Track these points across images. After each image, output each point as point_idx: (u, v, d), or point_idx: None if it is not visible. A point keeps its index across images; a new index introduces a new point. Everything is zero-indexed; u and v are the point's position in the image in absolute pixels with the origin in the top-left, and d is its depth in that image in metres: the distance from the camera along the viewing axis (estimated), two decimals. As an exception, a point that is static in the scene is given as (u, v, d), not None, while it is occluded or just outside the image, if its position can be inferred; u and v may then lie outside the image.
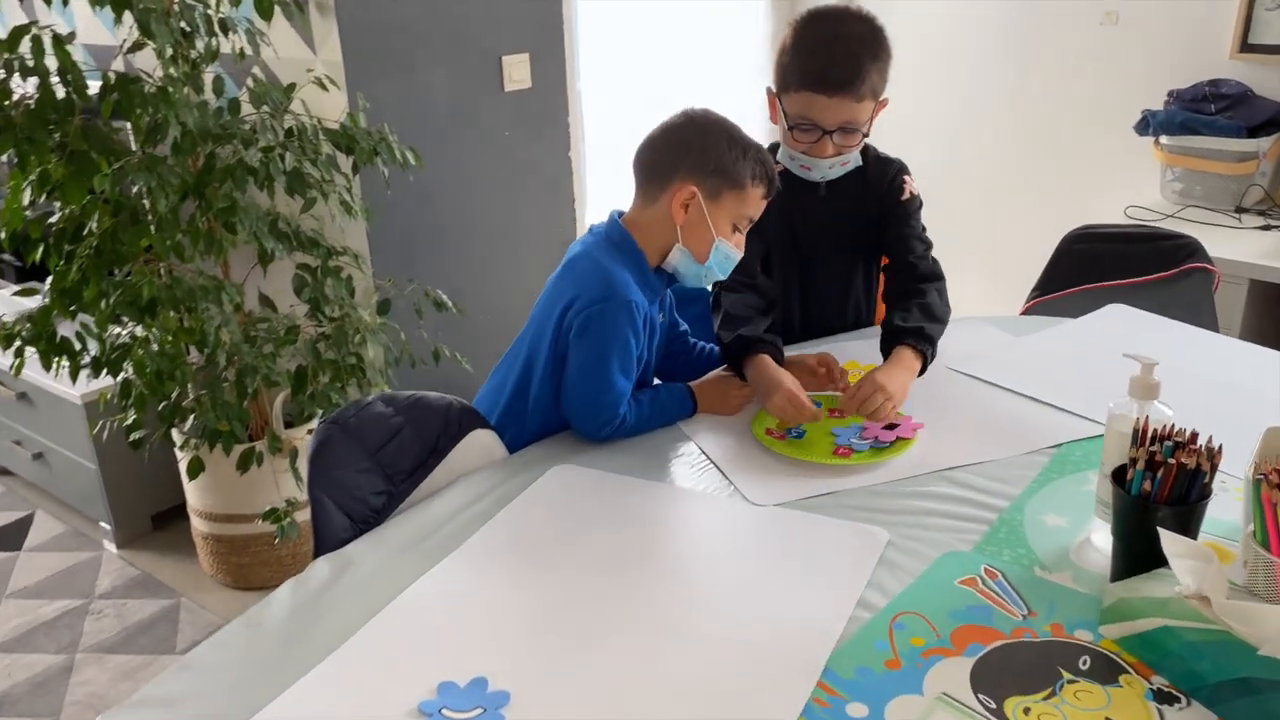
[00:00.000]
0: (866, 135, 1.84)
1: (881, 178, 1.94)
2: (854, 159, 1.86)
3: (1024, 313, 2.38)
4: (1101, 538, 1.31)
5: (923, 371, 1.75)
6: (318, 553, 1.39)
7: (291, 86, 2.27)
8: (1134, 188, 3.07)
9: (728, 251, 1.64)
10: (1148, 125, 2.94)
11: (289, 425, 2.62)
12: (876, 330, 2.06)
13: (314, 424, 2.48)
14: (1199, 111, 2.87)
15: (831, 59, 1.74)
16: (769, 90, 1.87)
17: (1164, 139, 2.92)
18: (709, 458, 1.57)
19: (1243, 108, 2.83)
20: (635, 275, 1.62)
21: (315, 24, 2.42)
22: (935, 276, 1.89)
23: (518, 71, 2.75)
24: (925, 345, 1.76)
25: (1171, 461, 1.15)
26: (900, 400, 1.66)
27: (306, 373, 2.40)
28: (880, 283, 2.07)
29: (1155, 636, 1.10)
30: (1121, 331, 2.01)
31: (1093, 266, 2.32)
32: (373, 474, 1.47)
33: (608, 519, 1.42)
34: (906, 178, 1.95)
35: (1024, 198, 3.48)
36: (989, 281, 3.51)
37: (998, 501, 1.43)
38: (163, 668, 2.45)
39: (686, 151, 1.60)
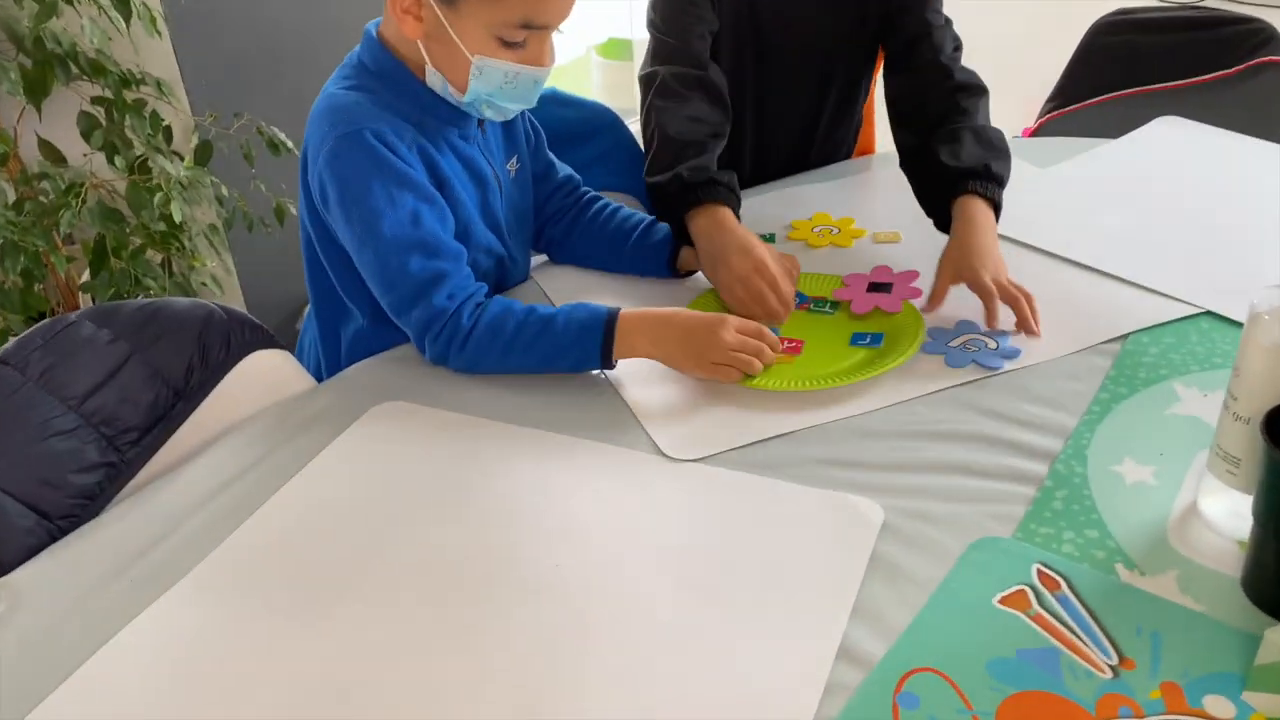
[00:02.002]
0: None
1: None
2: None
3: (1036, 130, 1.84)
4: (1216, 506, 0.83)
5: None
6: (-21, 577, 0.88)
7: None
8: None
9: (507, 72, 1.01)
10: (1185, -124, 2.31)
11: (104, 309, 2.05)
12: (856, 165, 1.52)
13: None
14: None
15: None
16: None
17: (1204, -107, 2.30)
18: (610, 382, 1.05)
19: None
20: (405, 105, 1.05)
21: None
22: (978, 88, 1.29)
23: None
24: (995, 190, 1.19)
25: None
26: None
27: (104, 244, 1.82)
28: (870, 95, 1.50)
29: (1360, 731, 0.63)
30: (1180, 156, 1.48)
31: (1128, 65, 1.77)
32: (79, 437, 0.94)
33: (448, 490, 0.91)
34: None
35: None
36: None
37: (1044, 441, 0.93)
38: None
39: None
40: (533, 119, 1.23)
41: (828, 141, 1.52)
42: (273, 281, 2.21)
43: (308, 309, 1.31)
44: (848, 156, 1.55)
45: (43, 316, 2.02)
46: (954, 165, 1.20)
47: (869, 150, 1.62)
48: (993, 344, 1.07)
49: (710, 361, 0.99)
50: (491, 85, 1.02)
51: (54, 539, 0.90)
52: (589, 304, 1.04)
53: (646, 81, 1.29)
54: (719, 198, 1.17)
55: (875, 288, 1.16)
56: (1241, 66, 1.66)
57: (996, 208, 1.19)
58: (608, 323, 1.01)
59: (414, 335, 1.06)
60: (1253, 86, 1.66)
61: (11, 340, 0.95)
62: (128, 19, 1.69)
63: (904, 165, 1.32)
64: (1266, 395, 0.75)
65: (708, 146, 1.23)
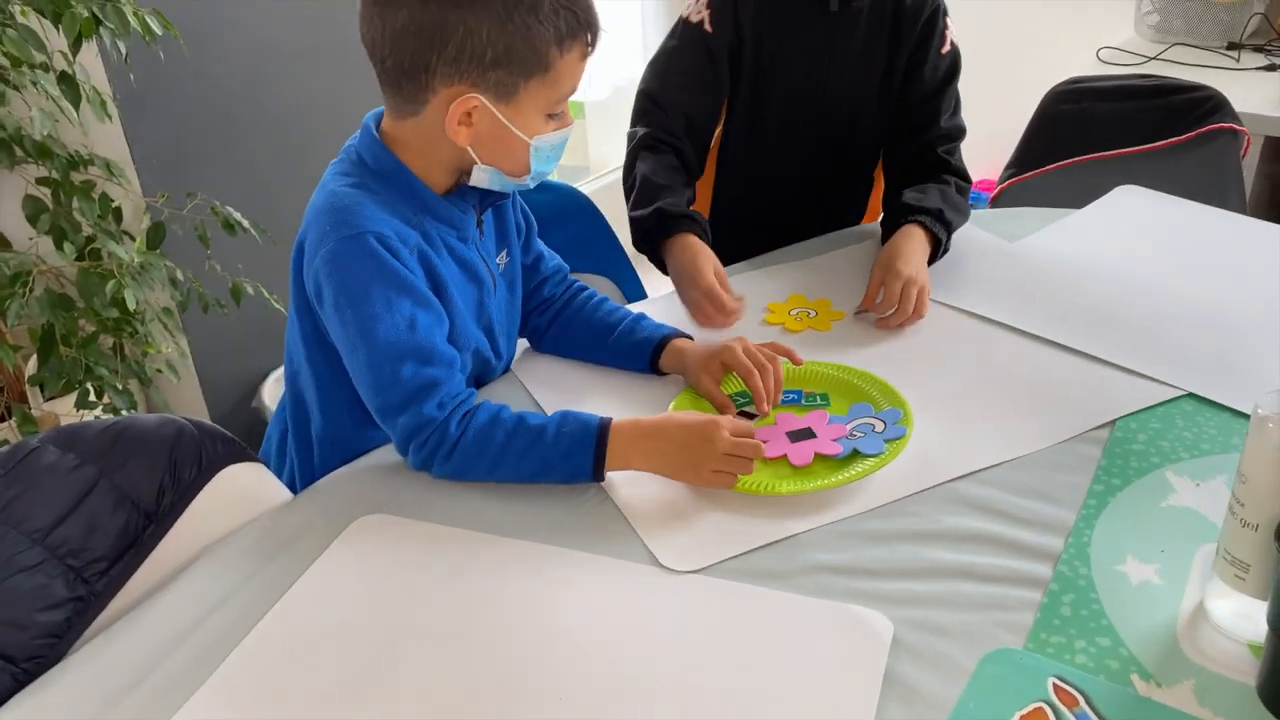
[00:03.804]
0: None
1: (919, 5, 1.40)
2: None
3: (997, 196, 1.87)
4: (1224, 608, 0.82)
5: (932, 261, 1.34)
6: (-61, 732, 0.82)
7: (-39, -76, 1.54)
8: (1102, 26, 2.53)
9: (554, 142, 1.04)
10: (1123, -57, 2.38)
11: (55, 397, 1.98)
12: (836, 240, 1.52)
13: (81, 397, 1.85)
14: (1185, -78, 2.32)
15: None
16: None
17: (1142, -40, 2.38)
18: (603, 491, 1.01)
19: (1239, -85, 2.29)
20: (406, 209, 1.03)
21: None
22: (965, 177, 1.42)
23: (319, -103, 2.03)
24: (941, 230, 1.34)
25: None
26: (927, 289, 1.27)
27: (52, 332, 1.75)
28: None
29: None
30: (1143, 227, 1.50)
31: (1084, 132, 1.80)
32: (45, 572, 0.89)
33: (442, 613, 0.88)
34: (948, 19, 1.42)
35: (972, 44, 2.89)
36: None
37: (1044, 539, 0.92)
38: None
39: (440, 41, 0.94)
40: (526, 209, 1.22)
41: (839, 205, 1.57)
42: (228, 361, 2.15)
43: (280, 399, 1.27)
44: (858, 220, 1.59)
45: (-13, 405, 1.95)
46: (913, 203, 1.35)
47: (878, 212, 1.64)
48: (879, 425, 1.06)
49: (709, 470, 0.97)
50: (546, 159, 1.05)
51: (20, 684, 0.84)
52: (579, 414, 1.01)
53: (631, 137, 1.41)
54: (691, 230, 1.30)
55: (797, 436, 1.06)
56: (1193, 133, 1.70)
57: (937, 243, 1.34)
58: (599, 436, 0.99)
59: (398, 441, 1.03)
60: (1205, 152, 1.70)
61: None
62: (77, 104, 1.64)
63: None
64: (1275, 503, 0.75)
65: (680, 191, 1.36)
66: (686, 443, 0.98)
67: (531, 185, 1.08)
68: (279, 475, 1.15)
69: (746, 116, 1.44)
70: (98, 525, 0.92)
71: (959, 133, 1.43)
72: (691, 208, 1.35)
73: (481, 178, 1.04)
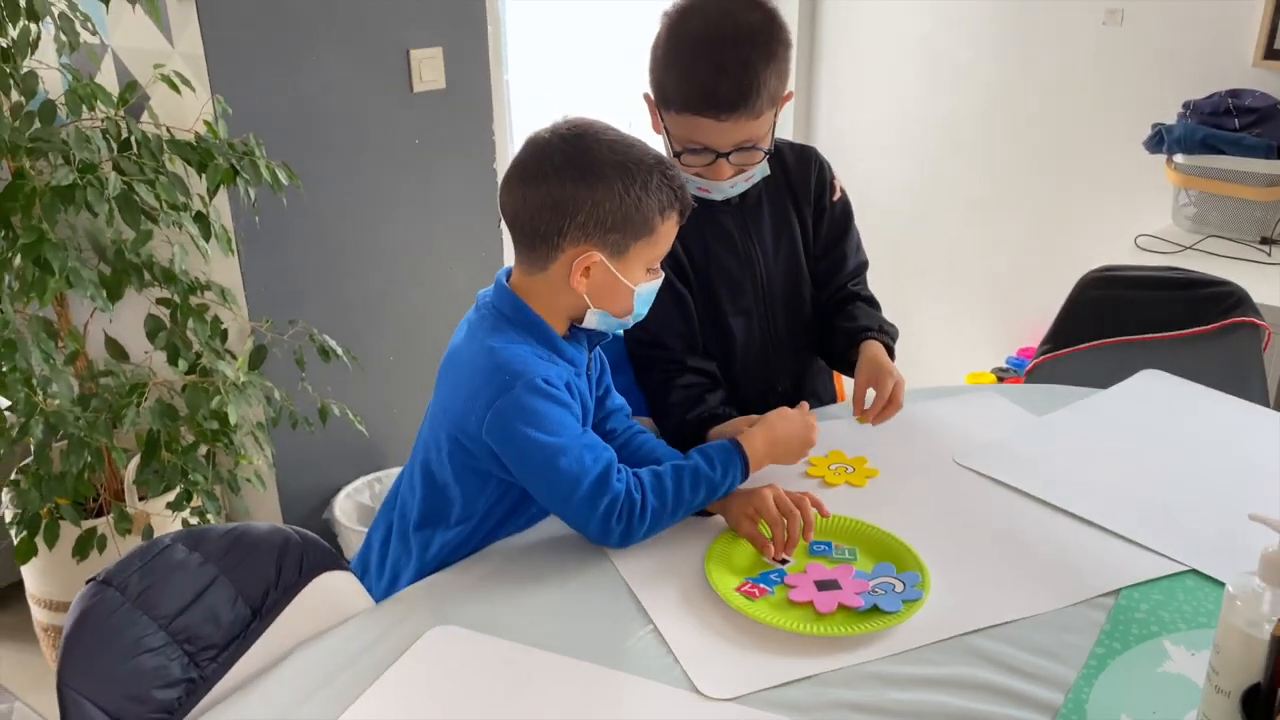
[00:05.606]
0: (769, 152, 1.48)
1: (805, 170, 1.61)
2: (760, 170, 1.50)
3: (1031, 370, 1.99)
4: (1206, 769, 0.91)
5: None
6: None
7: (131, 87, 1.80)
8: (1142, 213, 2.69)
9: (649, 289, 1.29)
10: (1161, 141, 2.56)
11: (144, 497, 2.15)
12: (843, 408, 1.65)
13: (173, 496, 2.02)
14: (1220, 126, 2.50)
15: (718, 72, 1.36)
16: (646, 96, 1.48)
17: (1179, 158, 2.54)
18: (650, 619, 1.14)
19: (1270, 123, 2.47)
20: (541, 351, 1.24)
21: (171, 6, 1.95)
22: (874, 303, 1.65)
23: (429, 69, 2.30)
24: (889, 339, 1.56)
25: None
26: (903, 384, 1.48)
27: (158, 439, 1.94)
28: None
29: None
30: (1163, 410, 1.61)
31: (1114, 316, 1.93)
32: (165, 654, 1.03)
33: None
34: (832, 170, 1.63)
35: (1017, 225, 3.08)
36: (978, 319, 3.12)
37: (1047, 694, 1.02)
38: (-21, 801, 1.99)
39: (572, 211, 1.18)
40: (600, 350, 1.40)
41: (816, 378, 1.70)
42: (307, 475, 2.32)
43: (379, 514, 1.41)
44: (833, 395, 1.74)
45: (87, 501, 2.13)
46: (855, 325, 1.56)
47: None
48: (899, 585, 1.17)
49: (797, 447, 1.35)
50: (643, 303, 1.28)
51: (136, 758, 0.97)
52: (709, 444, 1.30)
53: (655, 390, 1.54)
54: (719, 423, 1.45)
55: (824, 586, 1.17)
56: (1217, 325, 1.83)
57: (890, 349, 1.55)
58: (740, 452, 1.28)
59: (598, 525, 1.20)
60: (1226, 343, 1.82)
61: (113, 563, 1.05)
62: (208, 239, 1.86)
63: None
64: (1243, 673, 0.85)
65: (705, 399, 1.49)
66: (786, 433, 1.34)
67: (629, 326, 1.29)
68: (378, 573, 1.31)
69: (707, 323, 1.56)
70: (213, 616, 1.06)
71: (863, 267, 1.66)
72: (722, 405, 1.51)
73: (591, 320, 1.26)
